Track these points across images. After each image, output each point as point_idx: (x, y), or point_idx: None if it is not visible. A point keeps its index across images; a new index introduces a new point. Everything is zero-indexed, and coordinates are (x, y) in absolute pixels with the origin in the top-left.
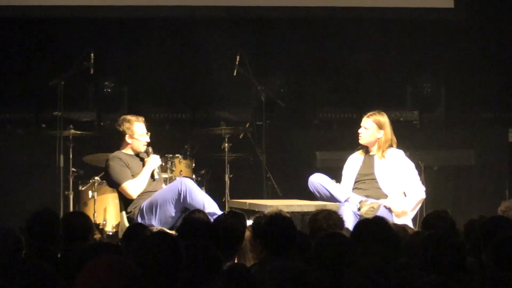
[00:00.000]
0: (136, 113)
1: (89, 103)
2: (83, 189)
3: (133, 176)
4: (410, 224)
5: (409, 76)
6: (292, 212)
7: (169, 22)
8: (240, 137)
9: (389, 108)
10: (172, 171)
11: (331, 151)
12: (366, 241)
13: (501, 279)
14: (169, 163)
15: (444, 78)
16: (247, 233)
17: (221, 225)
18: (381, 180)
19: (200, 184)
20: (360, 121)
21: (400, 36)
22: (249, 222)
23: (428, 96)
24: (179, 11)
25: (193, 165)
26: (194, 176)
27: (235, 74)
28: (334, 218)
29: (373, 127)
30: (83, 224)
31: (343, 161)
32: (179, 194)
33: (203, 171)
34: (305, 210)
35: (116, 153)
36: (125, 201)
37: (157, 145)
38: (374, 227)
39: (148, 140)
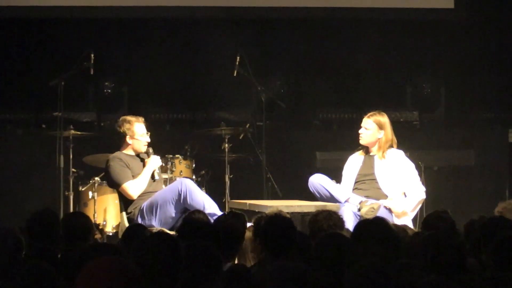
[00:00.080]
0: (136, 113)
1: (89, 104)
2: (83, 189)
3: (134, 176)
4: (410, 225)
5: (409, 76)
6: (292, 213)
7: (169, 22)
8: (240, 137)
9: (389, 109)
10: (172, 171)
11: (331, 152)
12: (366, 241)
13: (501, 279)
14: (169, 163)
15: (444, 78)
16: (248, 234)
17: (221, 226)
18: (381, 180)
19: (200, 184)
20: (360, 121)
21: (400, 36)
22: (250, 224)
23: (428, 97)
24: (179, 11)
25: (193, 165)
26: (194, 177)
27: (235, 75)
28: (334, 219)
29: (373, 128)
30: (83, 225)
31: (343, 161)
32: (179, 194)
33: (203, 172)
34: (305, 210)
35: (117, 153)
36: (125, 202)
37: (157, 145)
38: (374, 227)
39: (149, 140)
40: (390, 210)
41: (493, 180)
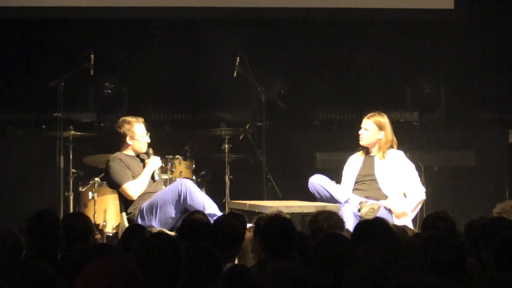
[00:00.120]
0: (136, 114)
1: (89, 104)
2: (83, 190)
3: (134, 177)
4: (410, 225)
5: (409, 76)
6: (292, 213)
7: (169, 23)
8: (240, 138)
9: (389, 109)
10: (172, 172)
11: (331, 152)
12: (366, 242)
13: (501, 279)
14: (169, 164)
15: (444, 78)
16: (248, 234)
17: (221, 226)
18: (381, 181)
19: (200, 185)
20: (360, 122)
21: (400, 36)
22: (250, 225)
23: (428, 97)
24: (180, 12)
25: (193, 166)
26: (194, 177)
27: (235, 75)
28: (334, 219)
29: (373, 128)
30: (83, 225)
31: (343, 162)
32: (179, 195)
33: (203, 172)
34: (305, 211)
35: (117, 154)
36: (125, 202)
37: (157, 146)
38: (374, 228)
39: (149, 140)
40: (390, 211)
41: (493, 181)
